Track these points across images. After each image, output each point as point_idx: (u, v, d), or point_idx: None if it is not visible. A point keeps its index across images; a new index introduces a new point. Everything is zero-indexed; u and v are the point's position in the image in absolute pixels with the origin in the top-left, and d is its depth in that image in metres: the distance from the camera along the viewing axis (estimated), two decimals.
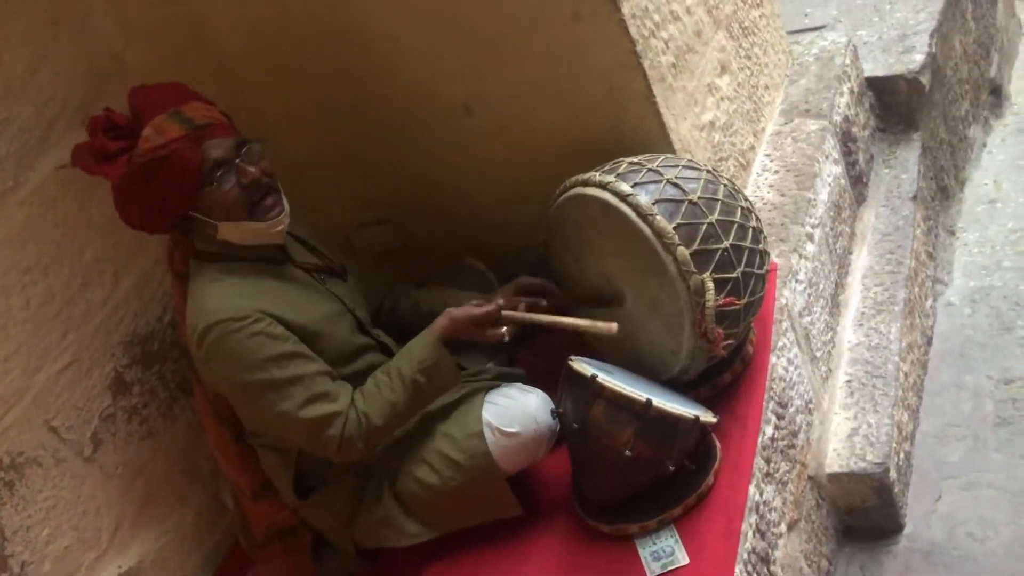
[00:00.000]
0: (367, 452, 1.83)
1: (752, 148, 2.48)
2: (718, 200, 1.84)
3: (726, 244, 1.80)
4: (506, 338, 1.88)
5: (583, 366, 1.79)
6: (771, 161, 2.50)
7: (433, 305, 2.09)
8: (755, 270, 1.86)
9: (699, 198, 1.82)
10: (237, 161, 1.75)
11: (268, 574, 2.01)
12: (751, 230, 1.87)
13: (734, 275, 1.81)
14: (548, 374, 2.00)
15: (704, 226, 1.79)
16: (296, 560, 2.00)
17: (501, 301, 1.88)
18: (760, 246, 1.89)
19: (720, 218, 1.82)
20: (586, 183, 1.88)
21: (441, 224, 2.44)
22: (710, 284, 1.76)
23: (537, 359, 2.20)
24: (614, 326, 1.79)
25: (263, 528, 1.99)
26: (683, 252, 1.76)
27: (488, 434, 1.84)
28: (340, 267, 2.04)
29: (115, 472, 2.08)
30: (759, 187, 2.42)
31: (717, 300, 1.76)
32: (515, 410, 1.86)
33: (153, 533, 2.14)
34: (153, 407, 2.17)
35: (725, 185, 1.89)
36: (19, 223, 1.92)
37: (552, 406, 1.87)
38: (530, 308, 1.96)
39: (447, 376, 1.85)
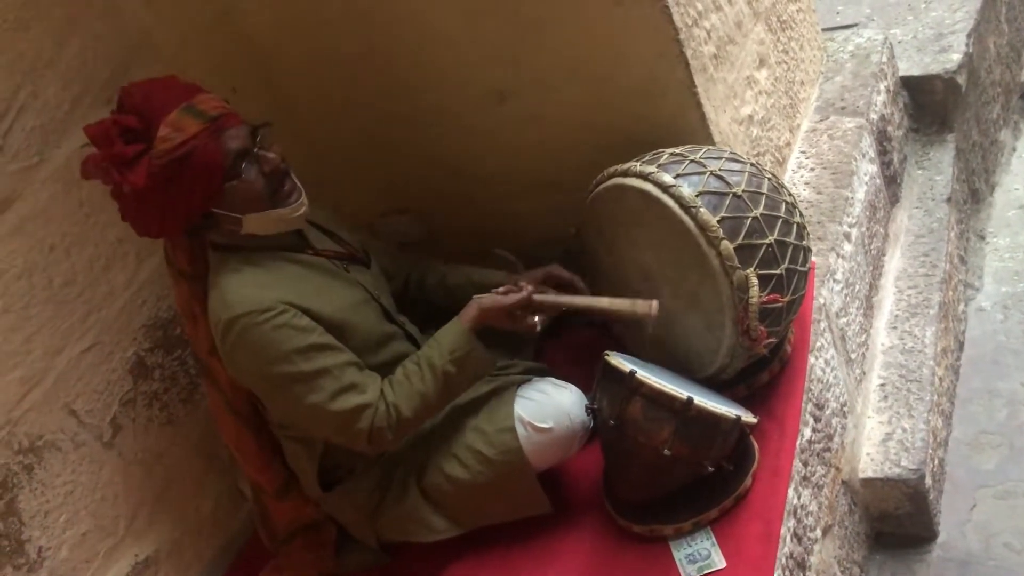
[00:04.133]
0: (396, 443, 1.79)
1: (788, 144, 2.44)
2: (763, 194, 1.79)
3: (771, 239, 1.75)
4: (538, 328, 1.83)
5: (621, 362, 1.74)
6: (807, 158, 2.45)
7: (458, 280, 2.04)
8: (798, 267, 1.81)
9: (743, 191, 1.77)
10: (256, 150, 1.69)
11: (289, 567, 1.96)
12: (795, 226, 1.82)
13: (778, 271, 1.76)
14: (576, 370, 1.96)
15: (749, 220, 1.75)
16: (318, 555, 1.95)
17: (531, 288, 1.83)
18: (803, 243, 1.84)
19: (765, 212, 1.77)
20: (626, 173, 1.84)
21: (467, 214, 2.39)
22: (754, 280, 1.71)
23: (565, 355, 2.15)
24: (655, 305, 1.73)
25: (285, 524, 1.95)
26: (727, 246, 1.71)
27: (520, 429, 1.79)
28: (363, 253, 1.98)
29: (134, 458, 2.03)
30: (795, 184, 2.37)
31: (761, 296, 1.71)
32: (548, 405, 1.81)
33: (171, 522, 2.09)
34: (173, 393, 2.13)
35: (769, 179, 1.84)
36: (43, 201, 1.87)
37: (586, 402, 1.82)
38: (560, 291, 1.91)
39: (478, 366, 1.80)
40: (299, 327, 1.69)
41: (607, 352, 1.79)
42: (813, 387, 1.95)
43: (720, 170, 1.79)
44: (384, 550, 1.94)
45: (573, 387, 1.86)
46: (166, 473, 2.10)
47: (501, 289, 1.84)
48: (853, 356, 2.21)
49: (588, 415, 1.81)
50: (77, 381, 1.93)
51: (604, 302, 1.80)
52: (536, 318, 1.82)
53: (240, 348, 1.69)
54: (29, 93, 1.85)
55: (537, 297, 1.82)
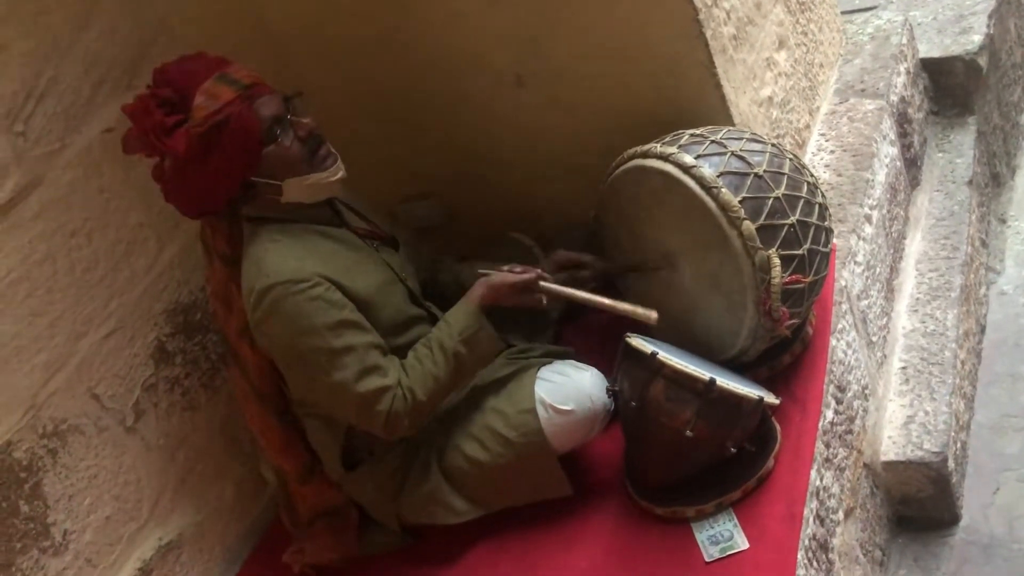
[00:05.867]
0: (412, 429, 1.79)
1: (807, 127, 2.42)
2: (784, 174, 1.78)
3: (792, 220, 1.74)
4: (544, 302, 1.83)
5: (642, 343, 1.74)
6: (826, 141, 2.43)
7: (472, 278, 2.04)
8: (820, 248, 1.80)
9: (765, 171, 1.76)
10: (289, 116, 1.72)
11: (311, 550, 1.97)
12: (817, 206, 1.81)
13: (800, 252, 1.75)
14: (596, 352, 1.95)
15: (770, 200, 1.74)
16: (340, 538, 1.95)
17: (539, 270, 1.84)
18: (825, 223, 1.83)
19: (786, 193, 1.76)
20: (646, 154, 1.83)
21: (486, 198, 2.39)
22: (776, 260, 1.70)
23: (585, 337, 2.15)
24: (654, 315, 1.74)
25: (308, 509, 1.95)
26: (749, 227, 1.70)
27: (541, 411, 1.79)
28: (391, 237, 1.99)
29: (156, 443, 2.04)
30: (815, 166, 2.36)
31: (783, 277, 1.70)
32: (569, 387, 1.81)
33: (193, 506, 2.10)
34: (195, 378, 2.13)
35: (791, 159, 1.83)
36: (65, 186, 1.88)
37: (607, 384, 1.81)
38: (571, 284, 1.91)
39: (488, 345, 1.81)
40: (332, 301, 1.70)
41: (628, 334, 1.78)
42: (835, 369, 1.94)
43: (741, 150, 1.78)
44: (406, 532, 1.95)
45: (594, 369, 1.86)
46: (188, 458, 2.11)
47: (507, 268, 1.85)
48: (874, 339, 2.20)
49: (609, 397, 1.81)
50: (100, 366, 1.94)
51: (606, 302, 1.79)
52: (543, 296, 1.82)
53: (272, 317, 1.70)
54: (50, 79, 1.86)
55: (543, 284, 1.82)
